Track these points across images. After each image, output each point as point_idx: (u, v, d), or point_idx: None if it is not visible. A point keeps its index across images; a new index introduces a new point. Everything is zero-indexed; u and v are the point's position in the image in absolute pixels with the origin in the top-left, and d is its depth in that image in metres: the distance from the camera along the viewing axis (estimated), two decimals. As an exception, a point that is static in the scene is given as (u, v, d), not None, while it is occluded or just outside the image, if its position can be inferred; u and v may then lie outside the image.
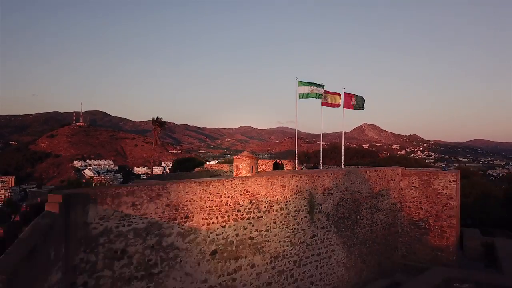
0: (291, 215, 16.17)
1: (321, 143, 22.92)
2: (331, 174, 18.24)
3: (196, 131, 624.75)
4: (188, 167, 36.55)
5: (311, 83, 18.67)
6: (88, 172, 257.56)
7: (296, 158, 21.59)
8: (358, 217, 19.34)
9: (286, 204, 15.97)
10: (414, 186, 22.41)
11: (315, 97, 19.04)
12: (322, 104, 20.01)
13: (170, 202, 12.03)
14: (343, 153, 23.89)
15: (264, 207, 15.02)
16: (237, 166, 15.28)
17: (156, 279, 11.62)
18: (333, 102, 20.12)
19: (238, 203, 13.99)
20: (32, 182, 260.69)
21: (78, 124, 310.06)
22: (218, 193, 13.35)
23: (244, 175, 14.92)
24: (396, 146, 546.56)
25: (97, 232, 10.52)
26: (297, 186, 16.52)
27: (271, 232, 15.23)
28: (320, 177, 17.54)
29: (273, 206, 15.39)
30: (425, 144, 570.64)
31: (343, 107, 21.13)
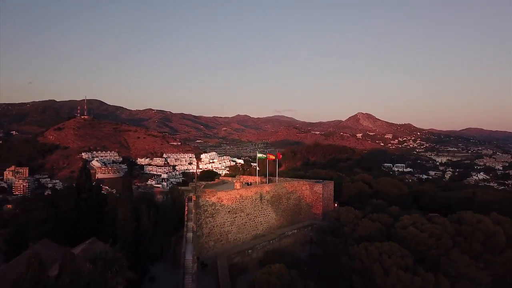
0: (253, 200, 50.88)
1: (267, 173, 57.64)
2: (269, 185, 53.03)
3: (193, 120, 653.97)
4: (209, 176, 72.01)
5: (262, 155, 53.32)
6: (95, 163, 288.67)
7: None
8: (280, 201, 54.15)
9: (252, 197, 50.65)
10: (307, 189, 57.34)
11: (263, 158, 53.84)
12: (267, 158, 54.71)
13: (217, 196, 46.74)
14: (277, 170, 58.69)
15: (244, 198, 49.67)
16: (236, 184, 49.92)
17: (214, 218, 46.38)
18: (271, 158, 54.60)
19: (236, 197, 48.63)
20: (44, 173, 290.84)
21: (82, 117, 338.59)
22: (230, 194, 48.04)
23: (238, 188, 49.47)
24: (389, 136, 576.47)
25: (202, 204, 45.22)
26: (256, 190, 51.19)
27: (247, 205, 49.98)
28: (264, 187, 52.33)
29: (247, 197, 50.04)
30: (418, 133, 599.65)
31: (277, 158, 55.75)
